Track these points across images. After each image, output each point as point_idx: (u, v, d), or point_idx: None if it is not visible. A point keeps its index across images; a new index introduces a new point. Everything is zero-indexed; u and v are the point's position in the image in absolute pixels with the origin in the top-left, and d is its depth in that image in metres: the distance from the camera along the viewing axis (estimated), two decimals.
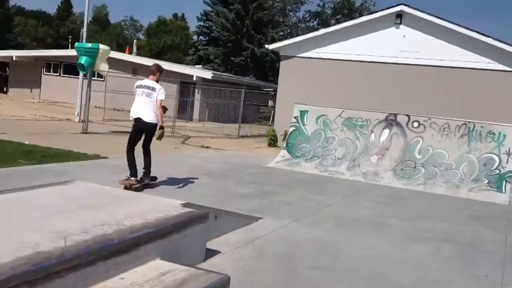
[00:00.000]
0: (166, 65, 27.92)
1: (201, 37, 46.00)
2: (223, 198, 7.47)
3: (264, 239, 5.48)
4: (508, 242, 6.55)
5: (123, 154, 10.56)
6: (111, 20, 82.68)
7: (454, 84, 14.53)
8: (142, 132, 7.67)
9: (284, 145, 13.08)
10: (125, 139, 8.04)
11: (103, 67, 15.03)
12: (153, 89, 7.50)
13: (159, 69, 7.74)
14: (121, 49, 41.47)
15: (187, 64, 41.83)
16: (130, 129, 7.88)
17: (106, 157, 10.02)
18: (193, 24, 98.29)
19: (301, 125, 13.13)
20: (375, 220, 7.08)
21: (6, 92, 32.83)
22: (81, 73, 17.60)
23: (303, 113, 13.24)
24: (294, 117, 13.31)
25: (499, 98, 13.99)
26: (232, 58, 39.88)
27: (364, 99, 14.87)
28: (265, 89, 30.72)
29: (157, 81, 7.63)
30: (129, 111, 7.81)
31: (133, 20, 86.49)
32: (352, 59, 15.79)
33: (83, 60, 14.59)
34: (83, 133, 14.52)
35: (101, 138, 13.83)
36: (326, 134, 12.78)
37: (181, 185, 8.13)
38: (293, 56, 16.73)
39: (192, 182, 8.46)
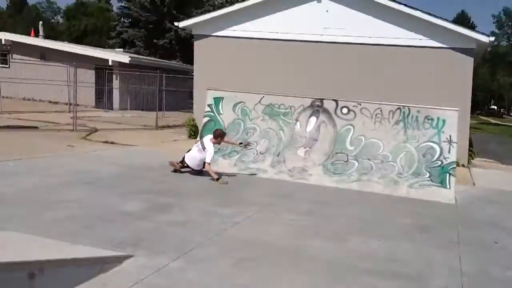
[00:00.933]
0: (79, 49, 25.23)
1: (124, 19, 42.68)
2: (91, 222, 5.46)
3: None
4: (464, 268, 5.03)
5: None
6: (30, 2, 76.36)
7: (385, 64, 13.01)
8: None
9: (198, 138, 11.15)
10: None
11: None
12: (204, 148, 8.81)
13: (219, 135, 9.09)
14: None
15: (109, 48, 38.67)
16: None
17: None
18: (116, 6, 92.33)
19: (216, 114, 11.25)
20: (293, 245, 5.33)
21: None
22: None
23: (217, 100, 11.37)
24: (208, 105, 11.42)
25: (435, 78, 12.61)
26: (155, 41, 37.16)
27: (287, 83, 13.15)
28: (193, 74, 28.19)
29: (214, 144, 8.93)
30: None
31: (49, 1, 79.92)
32: (273, 38, 13.88)
33: None
34: None
35: None
36: (245, 125, 11.00)
37: (36, 204, 5.97)
38: (208, 35, 14.67)
39: (57, 198, 6.34)
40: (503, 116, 74.51)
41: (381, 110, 10.35)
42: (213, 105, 11.37)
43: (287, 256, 4.97)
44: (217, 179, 8.40)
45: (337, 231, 6.07)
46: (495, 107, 78.88)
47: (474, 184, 10.29)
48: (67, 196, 6.45)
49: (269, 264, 4.68)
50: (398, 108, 10.29)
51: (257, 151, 10.44)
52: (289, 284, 4.27)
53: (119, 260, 4.27)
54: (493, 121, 55.35)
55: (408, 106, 10.25)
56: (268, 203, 7.22)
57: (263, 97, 11.19)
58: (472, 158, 13.22)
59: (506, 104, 77.16)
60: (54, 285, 3.53)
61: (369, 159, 9.85)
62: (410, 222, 6.83)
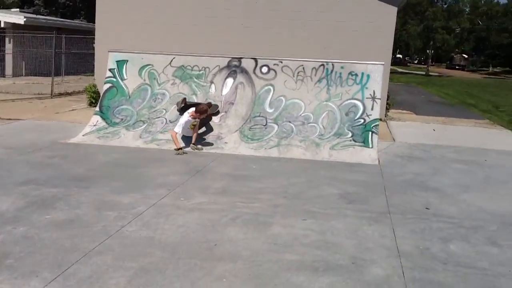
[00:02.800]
0: None
1: None
2: None
3: None
4: (401, 247, 4.41)
5: None
6: None
7: (311, 17, 12.04)
8: None
9: (97, 108, 9.80)
10: None
11: None
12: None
13: (202, 111, 8.38)
14: None
15: (7, 7, 34.71)
16: None
17: None
18: None
19: (119, 79, 9.95)
20: (206, 240, 4.41)
21: None
22: None
23: (121, 63, 10.05)
24: (109, 69, 10.06)
25: (358, 30, 11.77)
26: None
27: (203, 42, 11.91)
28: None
29: (192, 117, 8.35)
30: None
31: None
32: None
33: None
34: None
35: None
36: (153, 90, 9.82)
37: None
38: None
39: None
40: (408, 64, 78.27)
41: (303, 68, 9.61)
42: (115, 70, 10.03)
43: (199, 257, 4.06)
44: (178, 149, 8.11)
45: (257, 212, 5.24)
46: (400, 56, 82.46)
47: (394, 140, 9.87)
48: None
49: (176, 273, 3.75)
50: (321, 65, 9.60)
51: (166, 119, 9.34)
52: None
53: None
54: (399, 69, 57.05)
55: (332, 62, 9.59)
56: (177, 183, 6.23)
57: (174, 58, 10.03)
58: (388, 110, 12.91)
59: (411, 53, 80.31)
60: None
61: (289, 122, 9.11)
62: (336, 192, 6.16)
